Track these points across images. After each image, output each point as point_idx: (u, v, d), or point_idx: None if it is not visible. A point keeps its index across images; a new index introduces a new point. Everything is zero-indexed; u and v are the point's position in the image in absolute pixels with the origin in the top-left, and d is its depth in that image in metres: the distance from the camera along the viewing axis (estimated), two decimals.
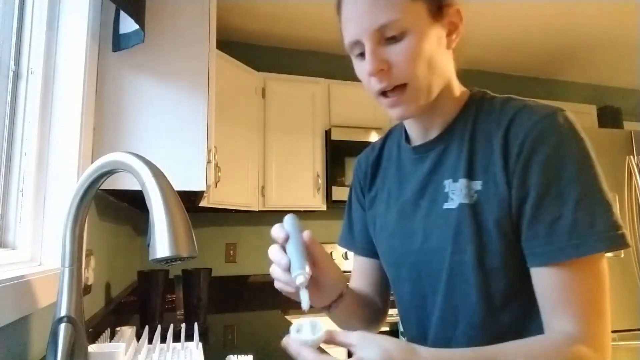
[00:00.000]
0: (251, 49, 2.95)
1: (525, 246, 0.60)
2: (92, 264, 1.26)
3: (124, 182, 1.28)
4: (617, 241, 0.56)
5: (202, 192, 1.43)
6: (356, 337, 0.53)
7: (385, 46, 0.62)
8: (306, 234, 0.64)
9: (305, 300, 0.58)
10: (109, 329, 1.10)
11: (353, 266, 0.90)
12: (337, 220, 1.30)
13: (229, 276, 2.75)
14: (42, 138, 1.04)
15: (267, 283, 3.20)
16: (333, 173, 2.63)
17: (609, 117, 3.33)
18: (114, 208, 1.74)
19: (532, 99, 0.66)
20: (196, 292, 1.66)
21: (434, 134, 0.72)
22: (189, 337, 1.19)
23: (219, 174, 1.90)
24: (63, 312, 0.62)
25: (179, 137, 1.37)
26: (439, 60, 0.65)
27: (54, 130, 1.07)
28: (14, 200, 0.96)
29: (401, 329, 0.84)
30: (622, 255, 2.33)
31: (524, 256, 0.61)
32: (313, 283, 0.64)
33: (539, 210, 0.58)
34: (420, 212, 0.71)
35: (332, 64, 2.89)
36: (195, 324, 1.26)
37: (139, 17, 1.22)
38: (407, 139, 0.77)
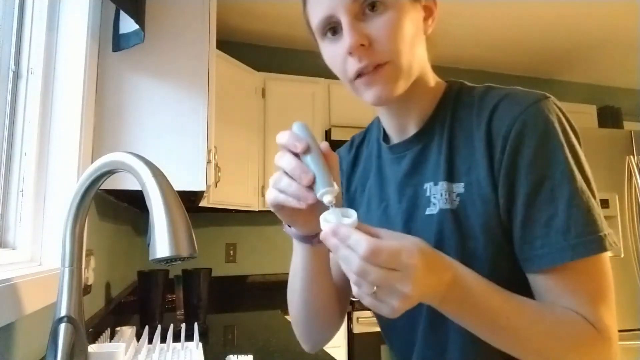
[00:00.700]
0: (251, 49, 2.95)
1: (520, 250, 0.56)
2: (92, 264, 1.26)
3: (124, 182, 1.28)
4: (607, 241, 0.52)
5: (202, 192, 1.43)
6: (384, 230, 0.48)
7: (364, 21, 0.55)
8: (324, 144, 0.53)
9: (336, 220, 0.48)
10: (109, 329, 1.10)
11: None
12: None
13: (229, 276, 2.75)
14: (42, 138, 1.04)
15: (267, 283, 3.20)
16: None
17: (609, 117, 3.33)
18: (114, 208, 1.74)
19: (514, 87, 0.60)
20: (196, 292, 1.66)
21: (411, 131, 0.66)
22: (189, 337, 1.19)
23: (219, 174, 1.90)
24: (63, 312, 0.62)
25: (179, 137, 1.37)
26: (417, 45, 0.59)
27: (54, 130, 1.07)
28: (14, 200, 0.96)
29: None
30: (622, 255, 2.33)
31: (515, 260, 0.56)
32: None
33: (531, 209, 0.54)
34: (402, 218, 0.65)
35: None
36: (195, 324, 1.27)
37: (139, 17, 1.22)
38: (386, 136, 0.71)
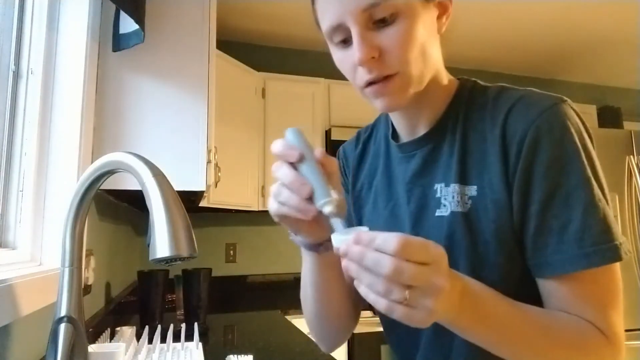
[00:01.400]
0: (251, 49, 2.95)
1: (532, 256, 0.55)
2: (92, 264, 1.26)
3: (124, 182, 1.28)
4: (621, 250, 0.51)
5: (202, 192, 1.43)
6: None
7: (374, 31, 0.53)
8: (319, 151, 0.51)
9: (339, 227, 0.47)
10: (109, 329, 1.10)
11: None
12: None
13: (229, 276, 2.75)
14: (42, 138, 1.04)
15: (267, 283, 3.19)
16: None
17: (609, 117, 3.33)
18: (114, 208, 1.74)
19: (529, 88, 0.59)
20: (196, 292, 1.66)
21: (421, 130, 0.64)
22: (189, 337, 1.19)
23: (219, 174, 1.90)
24: (63, 312, 0.62)
25: (179, 137, 1.37)
26: (430, 47, 0.57)
27: (54, 130, 1.07)
28: (14, 200, 0.96)
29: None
30: None
31: (525, 266, 0.55)
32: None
33: (545, 215, 0.53)
34: (410, 218, 0.64)
35: (332, 64, 2.86)
36: (195, 324, 1.26)
37: (139, 17, 1.22)
38: (395, 133, 0.70)
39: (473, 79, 0.66)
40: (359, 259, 0.41)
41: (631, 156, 2.49)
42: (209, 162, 1.41)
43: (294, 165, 0.50)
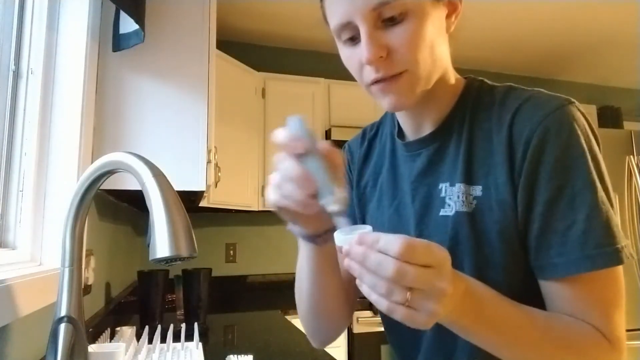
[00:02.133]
0: (251, 49, 2.95)
1: (535, 257, 0.55)
2: (92, 264, 1.26)
3: (124, 182, 1.28)
4: (624, 253, 0.51)
5: (202, 192, 1.43)
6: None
7: (382, 29, 0.53)
8: (324, 144, 0.50)
9: (343, 225, 0.46)
10: (109, 329, 1.10)
11: None
12: None
13: (229, 276, 2.75)
14: (42, 138, 1.04)
15: (267, 283, 3.19)
16: None
17: (609, 117, 3.33)
18: (114, 208, 1.74)
19: (536, 89, 0.59)
20: (196, 292, 1.66)
21: (427, 129, 0.64)
22: (189, 337, 1.19)
23: (219, 174, 1.90)
24: (63, 312, 0.62)
25: (179, 137, 1.37)
26: (438, 46, 0.57)
27: (54, 130, 1.07)
28: (14, 200, 0.96)
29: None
30: None
31: (529, 267, 0.55)
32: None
33: (550, 217, 0.53)
34: (415, 217, 0.64)
35: (332, 64, 2.87)
36: (195, 324, 1.26)
37: (139, 17, 1.22)
38: (401, 131, 0.70)
39: (480, 78, 0.66)
40: (361, 260, 0.41)
41: (631, 156, 2.49)
42: (209, 162, 1.41)
43: (297, 157, 0.48)
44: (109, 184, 1.26)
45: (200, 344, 1.13)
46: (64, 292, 0.63)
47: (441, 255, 0.42)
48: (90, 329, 1.15)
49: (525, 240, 0.55)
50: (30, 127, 1.00)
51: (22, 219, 0.97)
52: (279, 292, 2.70)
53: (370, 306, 2.20)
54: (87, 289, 1.23)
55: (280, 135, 0.49)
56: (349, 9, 0.53)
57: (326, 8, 0.57)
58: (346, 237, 0.44)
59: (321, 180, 0.48)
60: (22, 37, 1.01)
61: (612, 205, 0.53)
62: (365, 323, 2.19)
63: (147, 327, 1.21)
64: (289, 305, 2.15)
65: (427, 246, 0.42)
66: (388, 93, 0.56)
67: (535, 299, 0.55)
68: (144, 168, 0.57)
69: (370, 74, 0.55)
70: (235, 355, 1.09)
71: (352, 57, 0.57)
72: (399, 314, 0.41)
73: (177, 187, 0.60)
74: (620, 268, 0.53)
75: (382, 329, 0.75)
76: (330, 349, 1.67)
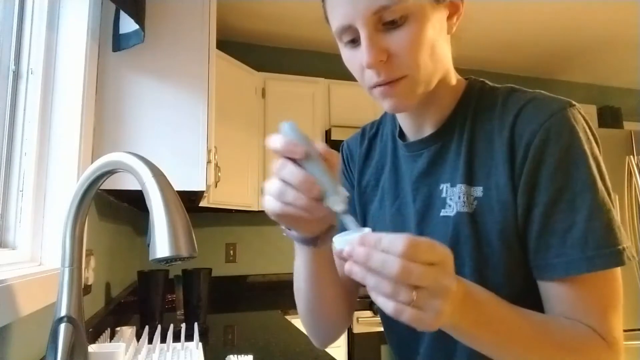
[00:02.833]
0: (251, 49, 2.95)
1: (534, 257, 0.55)
2: (92, 264, 1.26)
3: (124, 182, 1.28)
4: (625, 254, 0.51)
5: (202, 192, 1.43)
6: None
7: (383, 32, 0.53)
8: (321, 145, 0.49)
9: (351, 224, 0.47)
10: (109, 329, 1.10)
11: None
12: None
13: (229, 276, 2.75)
14: (42, 138, 1.04)
15: (267, 283, 3.18)
16: None
17: (609, 117, 3.33)
18: (114, 208, 1.74)
19: (538, 91, 0.59)
20: (196, 292, 1.66)
21: (429, 129, 0.64)
22: (189, 337, 1.19)
23: (219, 174, 1.90)
24: (63, 312, 0.62)
25: (179, 137, 1.37)
26: (440, 48, 0.57)
27: (54, 130, 1.07)
28: (14, 200, 0.96)
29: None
30: None
31: (529, 268, 0.56)
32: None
33: (550, 218, 0.53)
34: (415, 217, 0.64)
35: (332, 64, 2.88)
36: (195, 324, 1.26)
37: (139, 17, 1.22)
38: (402, 132, 0.70)
39: (481, 79, 0.66)
40: (364, 260, 0.40)
41: (631, 156, 2.49)
42: (209, 162, 1.41)
43: (296, 162, 0.48)
44: (109, 184, 1.26)
45: (200, 344, 1.13)
46: (64, 292, 0.63)
47: (444, 252, 0.42)
48: (90, 329, 1.15)
49: (525, 241, 0.56)
50: (30, 127, 1.00)
51: (22, 219, 0.97)
52: (279, 292, 2.70)
53: (370, 306, 2.20)
54: (87, 289, 1.23)
55: (276, 141, 0.48)
56: (349, 12, 0.53)
57: (327, 10, 0.58)
58: (347, 239, 0.43)
59: (325, 182, 0.48)
60: (22, 37, 1.01)
61: (613, 207, 0.53)
62: (365, 323, 2.19)
63: (147, 327, 1.21)
64: (289, 305, 2.15)
65: (431, 244, 0.41)
66: (389, 96, 0.57)
67: (536, 300, 0.55)
68: (144, 168, 0.57)
69: (371, 77, 0.56)
70: (235, 355, 1.09)
71: (353, 59, 0.57)
72: (406, 315, 0.40)
73: (177, 187, 0.60)
74: (618, 270, 0.53)
75: (382, 329, 0.75)
76: (330, 349, 1.67)
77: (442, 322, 0.42)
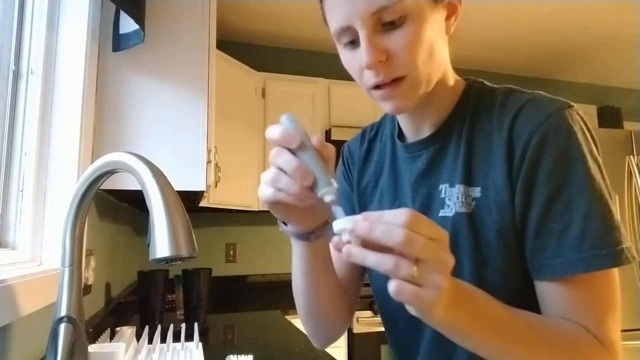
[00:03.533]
0: (251, 49, 2.95)
1: (531, 258, 0.55)
2: (92, 264, 1.26)
3: (124, 182, 1.28)
4: (624, 255, 0.51)
5: (202, 192, 1.43)
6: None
7: (382, 33, 0.53)
8: (316, 138, 0.51)
9: (341, 215, 0.47)
10: (109, 329, 1.10)
11: None
12: None
13: (229, 276, 2.75)
14: (42, 138, 1.04)
15: (267, 283, 3.18)
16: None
17: (609, 117, 3.33)
18: (114, 208, 1.74)
19: (537, 92, 0.60)
20: (196, 292, 1.66)
21: (427, 130, 0.65)
22: (189, 337, 1.19)
23: (219, 174, 1.90)
24: (63, 312, 0.62)
25: (179, 137, 1.37)
26: (438, 48, 0.57)
27: (54, 130, 1.07)
28: (14, 200, 0.96)
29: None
30: None
31: (526, 268, 0.56)
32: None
33: (546, 218, 0.53)
34: None
35: (332, 64, 2.87)
36: (195, 324, 1.27)
37: (139, 17, 1.22)
38: (401, 133, 0.70)
39: (480, 79, 0.66)
40: (368, 232, 0.40)
41: (631, 156, 2.49)
42: (209, 162, 1.41)
43: (292, 151, 0.49)
44: (109, 184, 1.26)
45: (200, 344, 1.13)
46: (64, 292, 0.63)
47: (443, 231, 0.43)
48: (90, 329, 1.15)
49: (522, 241, 0.56)
50: (30, 127, 1.00)
51: (22, 219, 0.97)
52: (279, 292, 2.70)
53: (370, 306, 2.20)
54: (87, 289, 1.23)
55: (274, 131, 0.49)
56: (348, 13, 0.53)
57: (326, 11, 0.58)
58: (347, 219, 0.43)
59: (317, 172, 0.49)
60: (22, 37, 1.01)
61: (611, 207, 0.53)
62: (365, 323, 2.19)
63: (147, 327, 1.21)
64: (289, 305, 2.15)
65: (430, 221, 0.42)
66: (389, 97, 0.57)
67: (534, 300, 0.55)
68: (144, 168, 0.57)
69: (370, 78, 0.56)
70: (235, 355, 1.09)
71: (352, 60, 0.57)
72: (407, 294, 0.40)
73: (177, 187, 0.60)
74: (615, 271, 0.53)
75: (382, 329, 0.75)
76: (330, 349, 1.67)
77: (440, 300, 0.41)
